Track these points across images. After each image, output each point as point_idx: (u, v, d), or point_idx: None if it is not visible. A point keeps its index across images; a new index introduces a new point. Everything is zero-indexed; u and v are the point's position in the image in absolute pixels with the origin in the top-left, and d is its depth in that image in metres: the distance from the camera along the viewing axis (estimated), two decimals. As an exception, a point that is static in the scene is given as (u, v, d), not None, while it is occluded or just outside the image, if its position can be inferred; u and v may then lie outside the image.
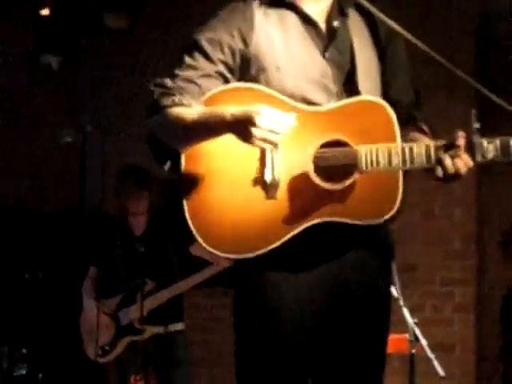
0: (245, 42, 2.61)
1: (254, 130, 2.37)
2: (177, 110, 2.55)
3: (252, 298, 2.60)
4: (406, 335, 4.32)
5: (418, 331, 4.33)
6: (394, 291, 4.17)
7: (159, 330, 4.95)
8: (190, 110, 2.54)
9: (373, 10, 2.60)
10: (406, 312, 4.36)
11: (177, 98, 2.56)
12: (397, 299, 4.27)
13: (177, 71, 2.62)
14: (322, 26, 2.65)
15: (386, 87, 2.70)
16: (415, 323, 4.34)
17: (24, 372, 5.80)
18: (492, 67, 6.31)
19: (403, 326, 4.30)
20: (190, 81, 2.59)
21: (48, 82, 6.97)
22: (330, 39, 2.64)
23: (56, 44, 6.59)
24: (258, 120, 2.36)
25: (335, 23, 2.65)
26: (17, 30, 6.80)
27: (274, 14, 2.64)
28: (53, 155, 6.77)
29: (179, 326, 5.03)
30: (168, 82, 2.60)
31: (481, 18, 6.38)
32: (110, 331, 4.97)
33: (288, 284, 2.55)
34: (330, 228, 2.51)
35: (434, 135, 2.64)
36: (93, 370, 5.18)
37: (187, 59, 2.63)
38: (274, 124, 2.38)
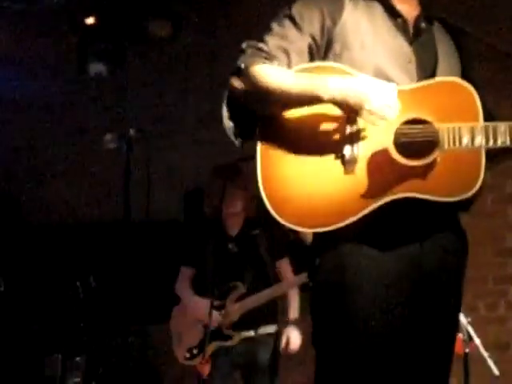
0: (333, 20, 2.61)
1: (363, 114, 2.45)
2: (270, 67, 2.55)
3: (332, 277, 2.57)
4: (460, 335, 4.28)
5: (471, 330, 4.29)
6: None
7: (249, 333, 4.88)
8: (285, 71, 2.55)
9: (457, 25, 2.71)
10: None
11: (268, 61, 2.56)
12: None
13: (267, 37, 2.62)
14: (410, 23, 2.69)
15: None
16: (468, 322, 4.30)
17: (78, 380, 5.84)
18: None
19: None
20: (283, 51, 2.60)
21: (94, 90, 7.05)
22: (415, 36, 2.68)
23: (103, 52, 6.64)
24: (367, 106, 2.43)
25: (422, 24, 2.69)
26: (60, 39, 6.89)
27: (364, 4, 2.68)
28: (97, 162, 6.83)
29: (271, 329, 4.94)
30: (262, 45, 2.60)
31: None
32: (198, 334, 4.91)
33: (368, 263, 2.53)
34: (410, 206, 2.49)
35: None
36: (146, 375, 5.19)
37: (277, 28, 2.63)
38: (383, 104, 2.44)
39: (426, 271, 2.57)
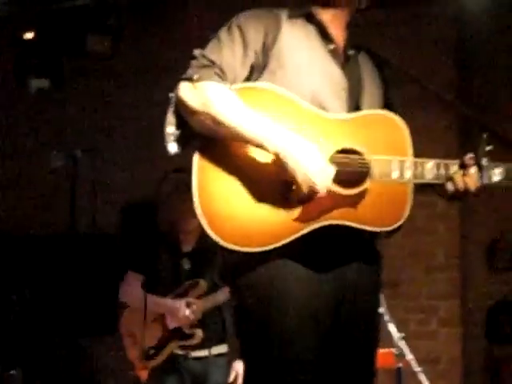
0: (273, 38, 2.65)
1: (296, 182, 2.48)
2: (223, 91, 2.55)
3: (258, 295, 2.59)
4: (393, 350, 4.36)
5: (404, 346, 4.37)
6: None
7: (203, 353, 4.75)
8: (237, 102, 2.54)
9: (379, 54, 2.80)
10: (391, 327, 4.40)
11: (218, 78, 2.57)
12: (382, 314, 4.30)
13: (216, 51, 2.63)
14: (340, 49, 2.75)
15: None
16: (401, 338, 4.37)
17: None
18: (471, 86, 6.41)
19: (389, 341, 4.35)
20: (231, 67, 2.61)
21: (35, 105, 7.02)
22: (345, 62, 2.73)
23: (41, 68, 6.61)
24: (300, 177, 2.47)
25: (350, 51, 2.75)
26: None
27: (300, 26, 2.71)
28: (43, 179, 6.80)
29: (223, 349, 4.83)
30: (214, 58, 2.61)
31: (459, 38, 6.47)
32: (156, 335, 4.78)
33: (294, 283, 2.57)
34: (337, 230, 2.56)
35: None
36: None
37: (225, 41, 2.64)
38: (314, 174, 2.47)
39: (349, 294, 2.64)
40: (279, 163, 2.49)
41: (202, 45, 2.69)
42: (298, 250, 2.55)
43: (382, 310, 4.30)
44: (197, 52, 2.64)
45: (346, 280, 2.64)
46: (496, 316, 6.37)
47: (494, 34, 6.27)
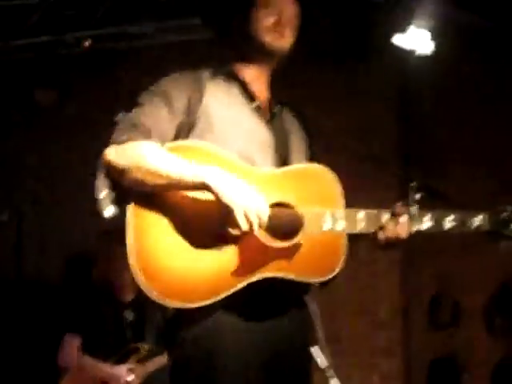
0: (197, 102, 2.68)
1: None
2: (149, 146, 2.56)
3: (195, 351, 2.60)
4: (334, 406, 4.37)
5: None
6: (320, 362, 4.23)
7: None
8: (166, 153, 2.56)
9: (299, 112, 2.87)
10: (334, 382, 4.41)
11: (144, 138, 2.58)
12: (324, 370, 4.32)
13: (140, 114, 2.65)
14: (264, 107, 2.80)
15: None
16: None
17: None
18: (414, 141, 6.55)
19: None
20: (156, 129, 2.62)
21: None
22: (270, 119, 2.79)
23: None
24: (238, 215, 2.48)
25: (275, 108, 2.81)
26: None
27: (223, 85, 2.76)
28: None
29: None
30: (137, 120, 2.63)
31: (401, 91, 6.62)
32: None
33: (232, 337, 2.59)
34: (273, 283, 2.59)
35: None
36: None
37: (148, 105, 2.67)
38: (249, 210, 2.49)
39: (283, 346, 2.68)
40: (215, 197, 2.50)
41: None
42: (236, 302, 2.57)
43: (323, 365, 4.31)
44: (119, 116, 2.69)
45: (281, 332, 2.67)
46: (437, 372, 6.43)
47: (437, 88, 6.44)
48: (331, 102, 6.27)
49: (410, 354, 6.50)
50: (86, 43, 6.22)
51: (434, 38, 5.49)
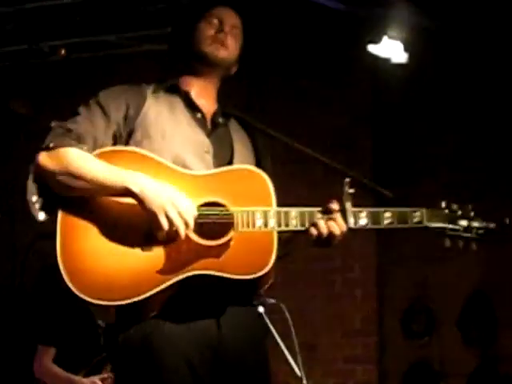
0: (136, 110, 2.79)
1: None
2: (80, 152, 2.66)
3: (136, 354, 2.64)
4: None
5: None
6: (296, 370, 4.25)
7: None
8: (92, 159, 2.66)
9: (252, 121, 2.95)
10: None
11: (77, 145, 2.67)
12: (300, 378, 4.33)
13: (76, 121, 2.74)
14: (207, 117, 2.89)
15: None
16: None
17: None
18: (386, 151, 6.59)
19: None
20: (91, 136, 2.72)
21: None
22: (213, 129, 2.89)
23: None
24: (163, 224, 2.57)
25: (219, 119, 2.91)
26: None
27: (165, 98, 2.87)
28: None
29: None
30: (71, 127, 2.72)
31: (375, 106, 6.66)
32: None
33: (172, 339, 2.63)
34: (210, 284, 2.64)
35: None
36: None
37: (85, 113, 2.77)
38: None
39: (225, 347, 2.70)
40: (139, 202, 2.59)
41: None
42: (173, 304, 2.62)
43: (299, 373, 4.33)
44: (53, 123, 2.74)
45: (222, 331, 2.70)
46: (412, 380, 6.45)
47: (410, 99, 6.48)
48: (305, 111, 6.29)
49: (385, 362, 6.52)
50: (62, 52, 6.21)
51: (406, 48, 5.55)
